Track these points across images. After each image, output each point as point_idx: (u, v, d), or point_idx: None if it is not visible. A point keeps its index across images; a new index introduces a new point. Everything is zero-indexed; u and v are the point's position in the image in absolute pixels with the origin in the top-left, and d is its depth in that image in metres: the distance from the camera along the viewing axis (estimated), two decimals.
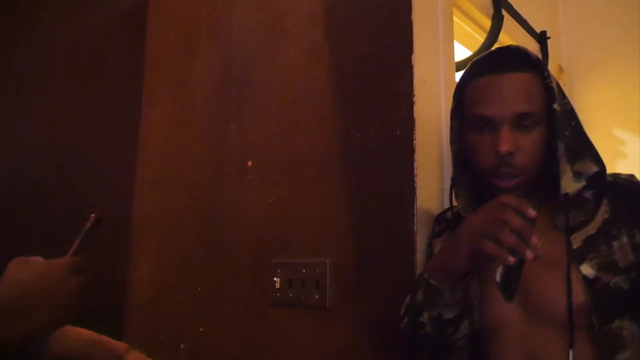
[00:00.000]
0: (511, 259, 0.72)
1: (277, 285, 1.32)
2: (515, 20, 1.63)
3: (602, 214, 0.85)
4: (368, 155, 1.19)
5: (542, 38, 1.78)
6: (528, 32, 1.71)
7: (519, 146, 0.85)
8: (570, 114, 0.90)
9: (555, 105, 0.86)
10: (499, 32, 1.45)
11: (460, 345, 0.89)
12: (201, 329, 1.52)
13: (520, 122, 0.85)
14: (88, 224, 0.81)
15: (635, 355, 0.79)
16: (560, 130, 0.86)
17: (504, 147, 0.83)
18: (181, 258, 1.62)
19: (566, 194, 0.85)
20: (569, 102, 0.92)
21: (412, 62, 1.14)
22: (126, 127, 1.85)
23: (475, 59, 0.94)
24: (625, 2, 1.93)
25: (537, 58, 0.90)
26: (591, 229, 0.85)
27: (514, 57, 0.89)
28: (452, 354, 0.89)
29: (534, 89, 0.86)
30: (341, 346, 1.19)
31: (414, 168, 1.10)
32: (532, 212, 0.74)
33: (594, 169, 0.87)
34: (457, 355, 0.90)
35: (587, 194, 0.87)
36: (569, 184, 0.86)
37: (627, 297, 0.80)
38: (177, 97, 1.75)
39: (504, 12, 1.55)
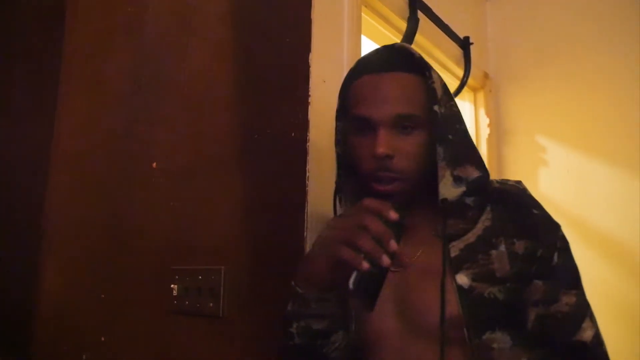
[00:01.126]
0: (365, 265, 0.68)
1: (174, 292, 1.27)
2: (435, 24, 1.62)
3: (484, 221, 0.82)
4: (264, 159, 1.15)
5: (465, 44, 1.77)
6: (450, 37, 1.70)
7: (397, 149, 0.81)
8: (455, 117, 0.87)
9: (436, 108, 0.82)
10: (413, 36, 1.43)
11: (333, 358, 0.84)
12: (103, 339, 1.45)
13: (400, 123, 0.81)
14: None
15: None
16: (442, 133, 0.83)
17: (381, 150, 0.79)
18: (87, 264, 1.54)
19: (445, 200, 0.82)
20: (455, 105, 0.89)
21: (310, 61, 1.11)
22: (40, 128, 1.76)
23: (361, 57, 0.91)
24: (553, 10, 1.95)
25: (421, 58, 0.86)
26: (471, 237, 0.82)
27: (397, 57, 0.85)
28: None
29: (415, 90, 0.83)
30: (235, 357, 1.13)
31: (306, 171, 1.06)
32: (393, 215, 0.71)
33: (476, 174, 0.84)
34: None
35: (469, 201, 0.83)
36: (448, 190, 0.82)
37: (501, 307, 0.77)
38: (92, 97, 1.68)
39: (423, 15, 1.54)
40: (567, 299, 0.78)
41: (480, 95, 1.93)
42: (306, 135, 1.07)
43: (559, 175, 1.84)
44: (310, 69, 1.10)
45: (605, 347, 0.78)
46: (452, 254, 0.80)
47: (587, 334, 0.77)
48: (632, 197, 1.70)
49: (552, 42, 1.93)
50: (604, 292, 1.70)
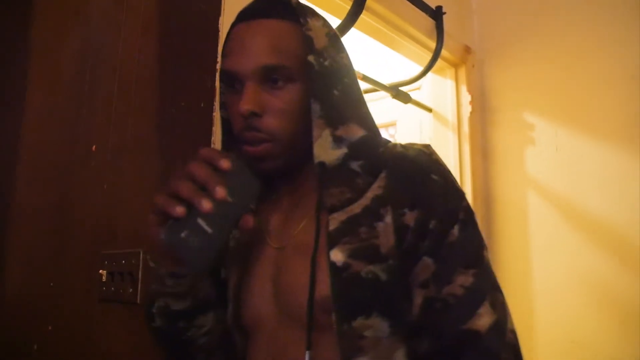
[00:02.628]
0: (179, 210, 0.59)
1: (103, 278, 1.21)
2: None
3: (375, 190, 0.70)
4: (179, 134, 1.08)
5: (437, 14, 1.64)
6: (418, 7, 1.58)
7: (266, 106, 0.70)
8: (344, 70, 0.76)
9: (311, 58, 0.71)
10: (363, 2, 1.32)
11: (202, 344, 0.75)
12: (50, 327, 1.41)
13: (268, 77, 0.71)
14: None
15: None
16: (320, 87, 0.72)
17: (245, 106, 0.69)
18: (39, 251, 1.51)
19: (322, 164, 0.71)
20: (346, 57, 0.78)
21: (220, 25, 1.03)
22: (8, 122, 1.75)
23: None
24: None
25: (298, 3, 0.76)
26: (357, 207, 0.69)
27: (271, 2, 0.74)
28: (192, 354, 0.76)
29: (287, 38, 0.72)
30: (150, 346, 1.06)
31: (211, 143, 0.98)
32: (225, 163, 0.61)
33: (360, 133, 0.73)
34: (200, 356, 0.76)
35: (355, 166, 0.72)
36: (325, 152, 0.71)
37: (381, 289, 0.65)
38: (51, 86, 1.65)
39: None
40: (463, 280, 0.65)
41: (462, 71, 1.80)
42: (213, 104, 0.99)
43: (548, 154, 1.68)
44: (220, 33, 1.02)
45: (512, 339, 0.64)
46: (331, 227, 0.68)
47: (482, 322, 0.63)
48: (627, 176, 1.53)
49: (539, 13, 1.78)
50: (595, 282, 1.54)
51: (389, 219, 0.67)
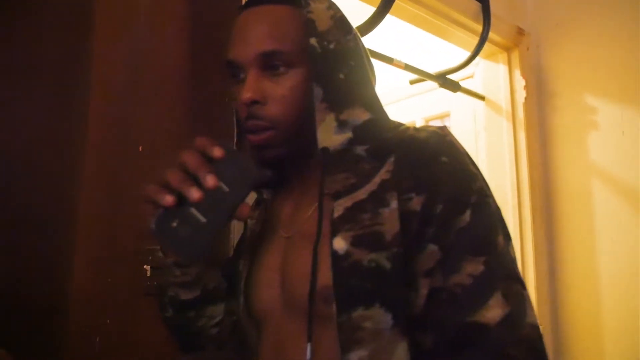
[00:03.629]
0: (169, 199, 0.58)
1: (147, 273, 1.26)
2: None
3: (383, 175, 0.66)
4: (217, 131, 1.09)
5: None
6: None
7: (268, 94, 0.69)
8: (350, 53, 0.73)
9: (313, 41, 0.69)
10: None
11: (213, 335, 0.76)
12: (108, 321, 1.48)
13: (268, 63, 0.69)
14: None
15: (375, 354, 0.60)
16: (322, 71, 0.70)
17: (246, 95, 0.68)
18: (98, 249, 1.59)
19: (325, 149, 0.69)
20: (353, 39, 0.75)
21: None
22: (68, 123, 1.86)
23: None
24: None
25: None
26: (362, 193, 0.66)
27: None
28: (203, 344, 0.76)
29: (286, 23, 0.70)
30: None
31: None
32: (217, 152, 0.61)
33: (364, 116, 0.70)
34: (211, 346, 0.77)
35: (360, 150, 0.69)
36: (329, 136, 0.69)
37: (385, 279, 0.62)
38: (106, 89, 1.74)
39: None
40: (472, 268, 0.60)
41: (515, 55, 1.70)
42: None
43: (613, 139, 1.55)
44: None
45: (530, 334, 0.58)
46: (336, 214, 0.66)
47: (491, 314, 0.58)
48: None
49: None
50: None
51: (394, 204, 0.64)
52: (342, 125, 0.70)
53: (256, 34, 0.70)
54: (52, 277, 1.65)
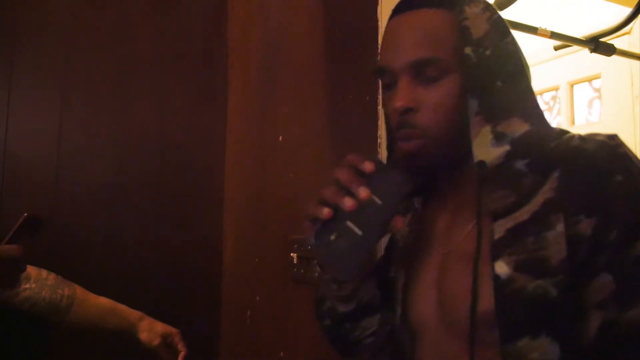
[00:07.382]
0: (326, 212, 0.61)
1: (294, 261, 1.33)
2: None
3: (545, 193, 0.62)
4: (349, 126, 1.10)
5: None
6: None
7: (422, 101, 0.67)
8: (507, 58, 0.69)
9: (468, 50, 0.66)
10: None
11: (368, 344, 0.78)
12: (258, 298, 1.60)
13: (422, 71, 0.67)
14: (17, 224, 0.84)
15: None
16: (478, 81, 0.66)
17: (399, 103, 0.67)
18: (246, 231, 1.71)
19: (482, 163, 0.66)
20: (511, 43, 0.71)
21: (378, 16, 1.01)
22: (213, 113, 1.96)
23: None
24: None
25: None
26: (525, 213, 0.63)
27: None
28: (358, 353, 0.79)
29: (441, 29, 0.67)
30: None
31: (377, 137, 0.99)
32: (367, 166, 0.63)
33: (524, 127, 0.66)
34: (366, 355, 0.79)
35: (521, 165, 0.65)
36: (485, 150, 0.65)
37: (551, 307, 0.59)
38: (244, 80, 1.81)
39: None
40: None
41: None
42: (376, 99, 0.99)
43: None
44: (379, 23, 1.01)
45: None
46: (497, 235, 0.63)
47: None
48: None
49: None
50: None
51: (560, 227, 0.60)
52: (499, 137, 0.66)
53: (410, 41, 0.68)
54: (205, 254, 1.82)
